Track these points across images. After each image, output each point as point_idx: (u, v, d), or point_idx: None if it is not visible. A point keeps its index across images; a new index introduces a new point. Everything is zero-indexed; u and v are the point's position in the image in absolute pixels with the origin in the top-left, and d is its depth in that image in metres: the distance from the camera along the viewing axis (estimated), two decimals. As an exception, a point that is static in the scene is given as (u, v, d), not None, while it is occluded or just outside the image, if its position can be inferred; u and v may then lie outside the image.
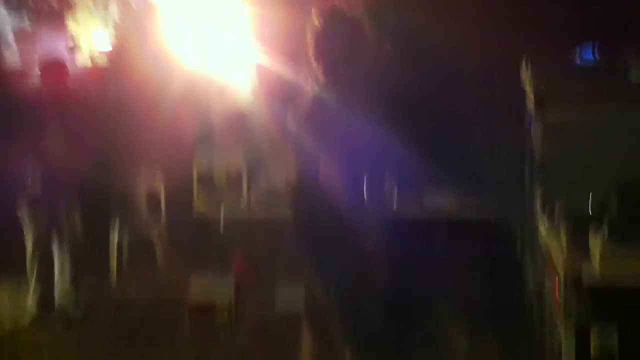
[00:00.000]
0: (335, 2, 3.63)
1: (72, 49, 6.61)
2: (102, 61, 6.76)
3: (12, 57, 6.59)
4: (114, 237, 5.89)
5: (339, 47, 3.52)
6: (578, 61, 4.40)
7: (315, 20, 3.51)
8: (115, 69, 6.50)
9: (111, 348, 4.82)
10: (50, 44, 6.34)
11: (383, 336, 3.74)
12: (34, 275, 5.24)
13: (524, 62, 4.31)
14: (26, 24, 6.59)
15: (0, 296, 5.64)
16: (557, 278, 2.98)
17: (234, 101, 5.63)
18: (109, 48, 6.71)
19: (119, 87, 6.17)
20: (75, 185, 5.23)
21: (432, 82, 5.38)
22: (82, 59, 6.67)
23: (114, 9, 6.69)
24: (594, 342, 2.79)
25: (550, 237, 3.23)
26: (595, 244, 2.82)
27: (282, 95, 3.88)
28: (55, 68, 5.30)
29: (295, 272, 3.81)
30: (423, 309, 4.80)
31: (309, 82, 3.63)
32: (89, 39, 6.70)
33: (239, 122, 5.54)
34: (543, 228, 3.39)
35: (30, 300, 5.30)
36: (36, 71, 5.37)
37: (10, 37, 6.56)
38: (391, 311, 4.78)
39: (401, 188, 5.03)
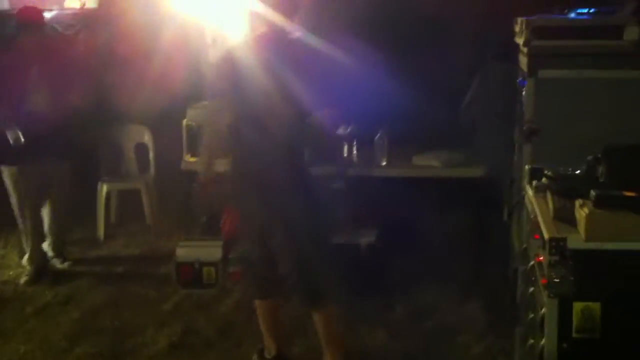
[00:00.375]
0: None
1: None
2: (92, 3, 6.63)
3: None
4: (102, 191, 5.87)
5: None
6: (572, 16, 4.32)
7: None
8: (105, 10, 6.37)
9: (97, 303, 4.86)
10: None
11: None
12: (25, 231, 5.23)
13: (517, 19, 4.23)
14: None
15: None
16: (541, 240, 2.97)
17: (225, 51, 5.53)
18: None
19: (109, 30, 6.06)
20: (62, 136, 5.18)
21: (421, 37, 5.30)
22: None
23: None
24: (576, 307, 2.80)
25: (536, 198, 3.21)
26: (582, 207, 2.80)
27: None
28: (31, 12, 5.19)
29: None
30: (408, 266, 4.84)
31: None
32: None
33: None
34: (530, 189, 3.36)
35: (24, 257, 5.31)
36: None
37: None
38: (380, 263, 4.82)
39: (391, 145, 5.01)
